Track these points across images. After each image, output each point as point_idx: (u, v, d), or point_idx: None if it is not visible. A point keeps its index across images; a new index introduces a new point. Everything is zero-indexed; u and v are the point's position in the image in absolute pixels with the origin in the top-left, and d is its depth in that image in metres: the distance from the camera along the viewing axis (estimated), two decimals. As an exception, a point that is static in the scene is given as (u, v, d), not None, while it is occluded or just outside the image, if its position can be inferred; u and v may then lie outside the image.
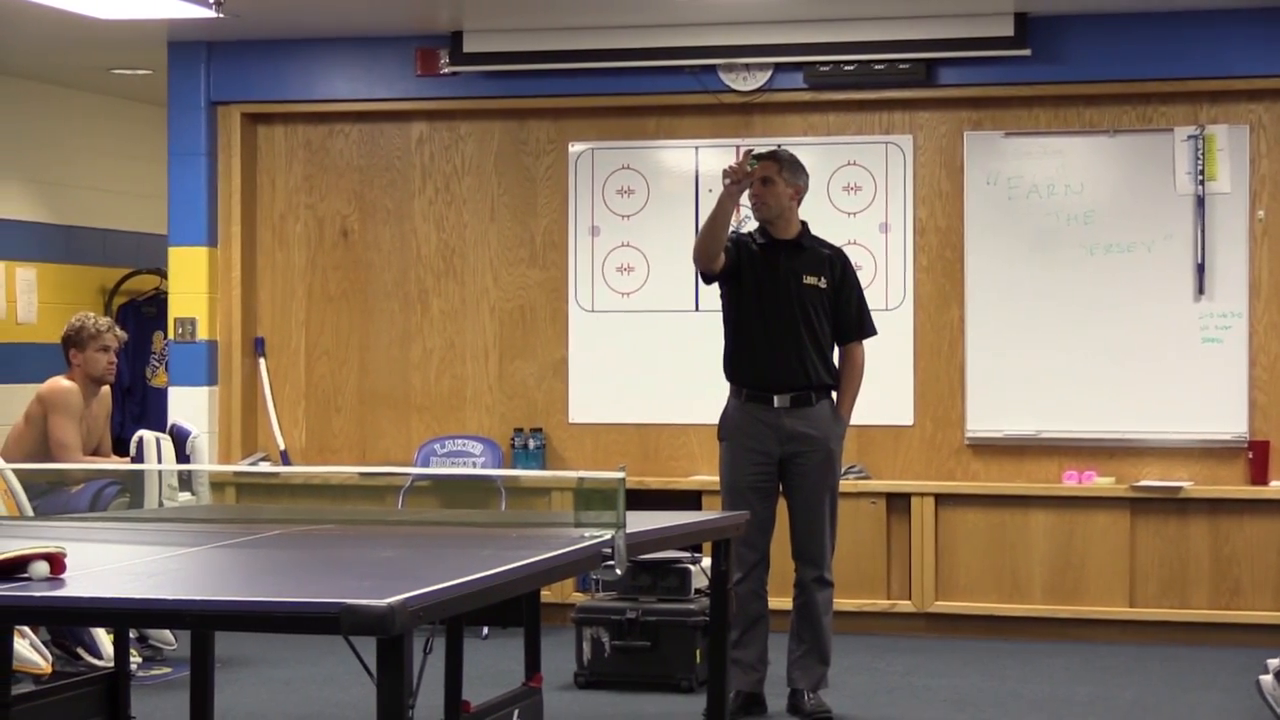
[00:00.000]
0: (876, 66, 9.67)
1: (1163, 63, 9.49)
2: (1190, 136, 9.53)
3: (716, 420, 9.94)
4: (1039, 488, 9.61)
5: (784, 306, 7.44)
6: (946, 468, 9.81)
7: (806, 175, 7.62)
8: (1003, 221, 9.71)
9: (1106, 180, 9.64)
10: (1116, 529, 9.48)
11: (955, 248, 9.79)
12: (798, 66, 9.79)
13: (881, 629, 9.61)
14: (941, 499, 9.60)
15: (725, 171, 7.17)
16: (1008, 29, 9.43)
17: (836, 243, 9.74)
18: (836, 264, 7.56)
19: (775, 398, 7.46)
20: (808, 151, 9.86)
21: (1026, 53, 9.47)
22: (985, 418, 9.73)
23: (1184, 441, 9.58)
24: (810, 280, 7.47)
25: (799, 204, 7.57)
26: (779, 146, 7.75)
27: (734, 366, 7.60)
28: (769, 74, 9.84)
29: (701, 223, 7.63)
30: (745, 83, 9.87)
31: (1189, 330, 9.53)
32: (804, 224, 7.60)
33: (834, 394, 7.55)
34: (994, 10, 9.39)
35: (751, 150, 7.36)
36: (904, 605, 9.61)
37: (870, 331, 7.64)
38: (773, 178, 7.47)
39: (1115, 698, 8.07)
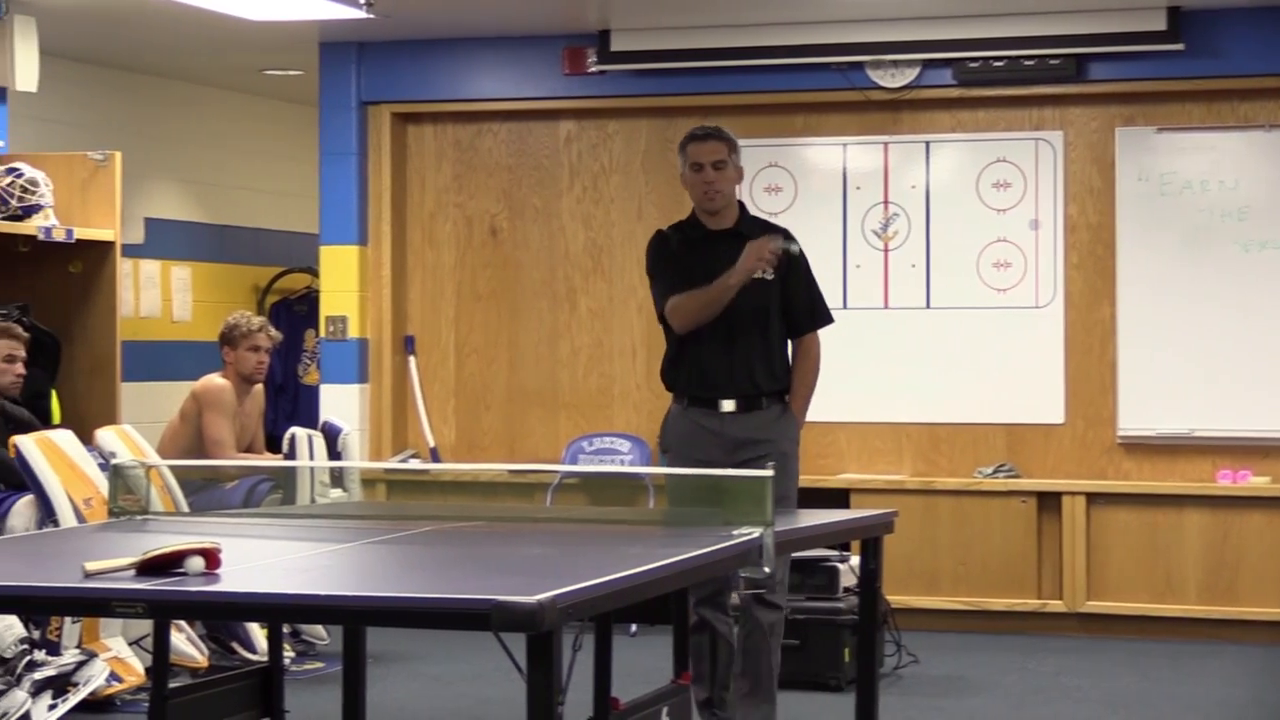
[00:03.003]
0: (1026, 62, 9.58)
1: (1320, 56, 9.36)
2: (1348, 130, 9.39)
3: (864, 418, 9.97)
4: (1192, 487, 9.49)
5: (731, 305, 6.61)
6: (1098, 467, 9.71)
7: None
8: (1155, 218, 9.59)
9: (1261, 176, 9.49)
10: (1273, 529, 9.34)
11: (1106, 245, 9.69)
12: (946, 63, 9.73)
13: (1032, 628, 9.53)
14: (1093, 498, 9.51)
15: (761, 255, 6.53)
16: (1160, 23, 9.31)
17: (983, 241, 9.79)
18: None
19: (722, 403, 6.67)
20: (956, 148, 9.84)
21: (1179, 47, 9.35)
22: (1137, 416, 9.62)
23: (1341, 440, 9.44)
24: (757, 273, 6.64)
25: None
26: (720, 128, 6.78)
27: (675, 371, 6.76)
28: (917, 70, 9.78)
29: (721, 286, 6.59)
30: (893, 79, 9.82)
31: (1347, 327, 9.40)
32: (742, 208, 6.81)
33: (787, 395, 6.76)
34: (1146, 4, 9.28)
35: (784, 248, 6.63)
36: (1055, 605, 9.53)
37: (824, 320, 6.81)
38: (725, 160, 6.66)
39: (1272, 701, 7.97)
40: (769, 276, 6.63)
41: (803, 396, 6.79)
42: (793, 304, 6.72)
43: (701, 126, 6.79)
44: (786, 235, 6.74)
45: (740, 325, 6.64)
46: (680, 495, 6.66)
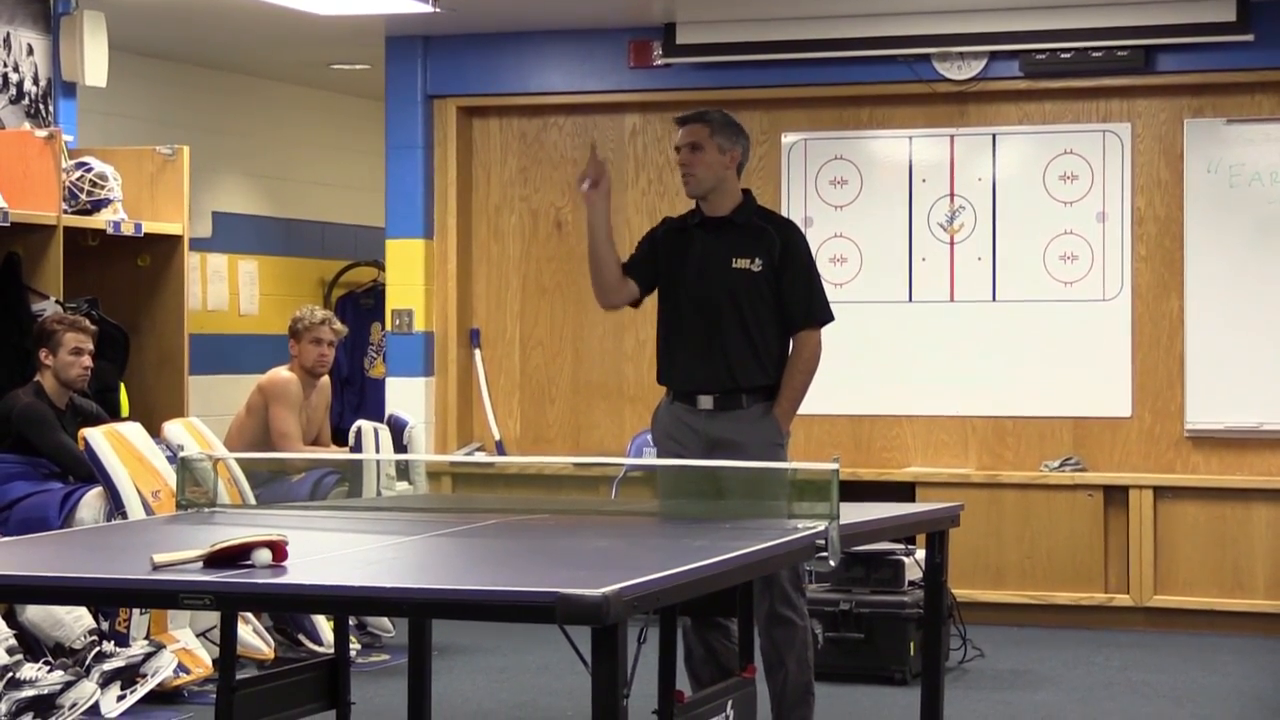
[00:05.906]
0: (1094, 54, 9.54)
1: (1391, 46, 9.28)
2: None
3: (930, 412, 9.94)
4: (1261, 481, 9.43)
5: (709, 296, 6.39)
6: (1165, 460, 9.65)
7: (747, 139, 6.55)
8: (1224, 210, 9.53)
9: (1332, 167, 9.44)
10: (1342, 523, 9.29)
11: (1175, 237, 9.63)
12: (1013, 54, 9.68)
13: (1099, 623, 9.49)
14: (1160, 492, 9.46)
15: (579, 178, 6.44)
16: (1230, 14, 9.25)
17: (1050, 234, 9.75)
18: (776, 241, 6.40)
19: (700, 398, 6.41)
20: (1023, 140, 9.79)
21: (1249, 38, 9.29)
22: (1206, 409, 9.56)
23: None
24: (741, 263, 6.37)
25: (739, 173, 6.51)
26: (709, 109, 6.61)
27: (660, 364, 6.55)
28: (984, 62, 9.74)
29: None
30: (960, 71, 9.78)
31: None
32: (746, 196, 6.53)
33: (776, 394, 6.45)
34: (1215, -6, 9.24)
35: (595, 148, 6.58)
36: (1122, 599, 9.48)
37: (821, 317, 6.46)
38: (702, 143, 6.42)
39: (1341, 696, 7.92)
40: (756, 268, 6.37)
41: (788, 397, 6.42)
42: (786, 298, 6.41)
43: (693, 111, 6.60)
44: (786, 228, 6.52)
45: (718, 318, 6.38)
46: (671, 488, 6.57)
